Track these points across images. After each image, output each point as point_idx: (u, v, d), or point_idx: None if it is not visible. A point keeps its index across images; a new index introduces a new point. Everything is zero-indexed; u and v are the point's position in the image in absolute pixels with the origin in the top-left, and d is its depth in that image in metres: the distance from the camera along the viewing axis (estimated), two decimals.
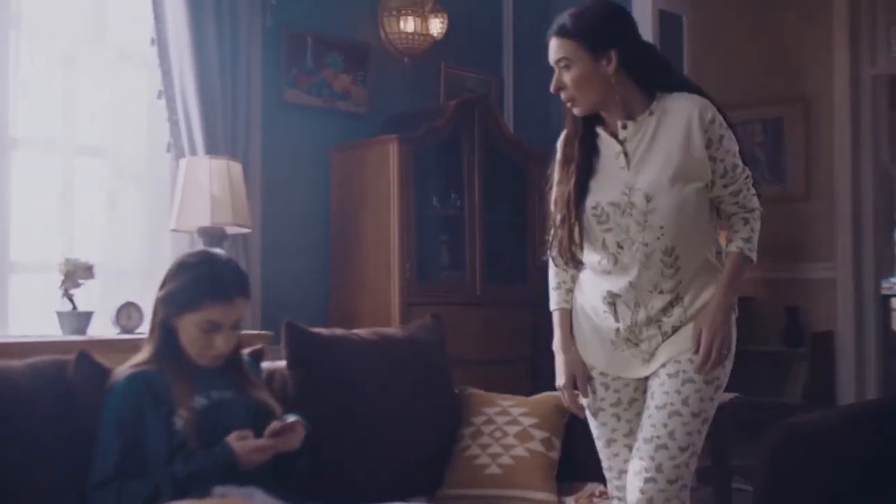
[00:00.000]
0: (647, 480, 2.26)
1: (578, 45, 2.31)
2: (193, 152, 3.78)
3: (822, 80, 5.95)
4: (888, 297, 7.00)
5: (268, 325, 3.78)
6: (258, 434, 2.28)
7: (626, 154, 2.34)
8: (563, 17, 2.35)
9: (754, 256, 2.42)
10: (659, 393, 2.32)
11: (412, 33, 4.69)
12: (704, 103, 2.33)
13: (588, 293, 2.43)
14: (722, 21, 6.22)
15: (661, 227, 2.30)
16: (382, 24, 4.71)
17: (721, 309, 2.35)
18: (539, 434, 2.98)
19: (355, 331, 3.05)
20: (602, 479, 2.57)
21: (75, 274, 3.33)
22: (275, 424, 2.30)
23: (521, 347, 4.52)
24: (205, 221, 3.54)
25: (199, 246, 3.57)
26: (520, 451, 2.94)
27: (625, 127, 2.34)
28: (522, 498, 2.87)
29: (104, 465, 2.21)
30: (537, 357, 4.48)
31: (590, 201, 2.35)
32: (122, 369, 2.34)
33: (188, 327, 2.33)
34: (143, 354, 2.38)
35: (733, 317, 2.42)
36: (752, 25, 6.29)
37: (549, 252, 2.49)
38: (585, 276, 2.44)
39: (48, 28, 3.62)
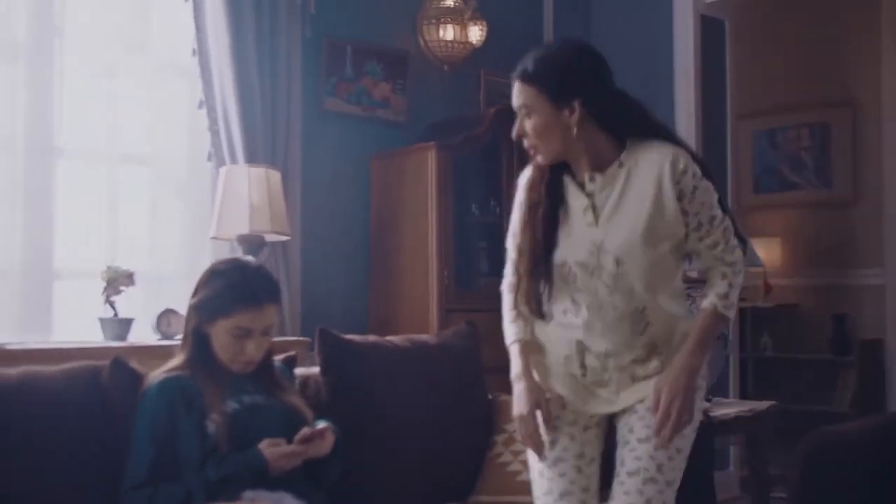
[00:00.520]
0: None
1: (539, 92, 2.16)
2: (234, 161, 3.84)
3: (870, 84, 5.87)
4: None
5: (307, 332, 3.81)
6: (289, 439, 2.31)
7: (594, 209, 2.19)
8: (527, 60, 2.19)
9: (731, 314, 2.24)
10: (640, 426, 2.20)
11: (451, 41, 4.71)
12: (677, 153, 2.17)
13: (552, 337, 2.29)
14: (766, 25, 6.16)
15: (632, 290, 2.17)
16: (422, 33, 4.74)
17: (685, 371, 2.15)
18: None
19: (389, 338, 3.06)
20: None
21: (117, 281, 3.40)
22: (304, 430, 2.32)
23: None
24: (243, 229, 3.59)
25: (239, 253, 3.62)
26: None
27: (592, 179, 2.19)
28: None
29: (137, 470, 2.24)
30: None
31: (557, 257, 2.21)
32: (156, 375, 2.38)
33: (220, 333, 2.37)
34: (176, 360, 2.42)
35: (700, 381, 2.23)
36: (798, 29, 6.22)
37: (504, 284, 2.37)
38: (550, 323, 2.29)
39: (91, 38, 3.70)
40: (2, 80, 3.48)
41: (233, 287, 2.37)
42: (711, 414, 3.03)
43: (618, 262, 2.15)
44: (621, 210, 2.17)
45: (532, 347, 2.32)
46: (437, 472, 2.90)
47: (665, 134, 2.23)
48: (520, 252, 2.29)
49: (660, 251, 2.17)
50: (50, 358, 2.60)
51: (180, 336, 2.50)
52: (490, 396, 3.19)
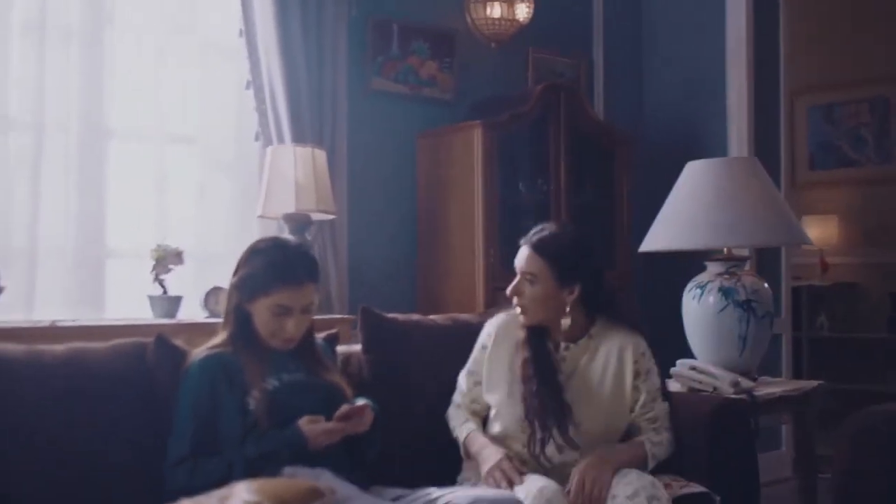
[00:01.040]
0: None
1: (549, 267, 2.46)
2: (281, 141, 3.87)
3: None
4: None
5: (355, 311, 3.82)
6: (328, 416, 2.33)
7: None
8: (544, 233, 2.49)
9: (653, 460, 2.45)
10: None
11: (499, 18, 4.68)
12: (638, 339, 2.51)
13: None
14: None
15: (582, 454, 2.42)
16: (468, 10, 4.72)
17: (608, 462, 2.35)
18: None
19: (432, 316, 3.07)
20: (676, 470, 2.51)
21: (166, 259, 3.46)
22: (344, 408, 2.34)
23: None
24: (290, 208, 3.62)
25: (286, 232, 3.66)
26: None
27: (567, 348, 2.51)
28: None
29: (180, 445, 2.28)
30: None
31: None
32: (199, 352, 2.42)
33: (260, 311, 2.40)
34: (218, 338, 2.46)
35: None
36: (855, 3, 6.07)
37: (451, 408, 2.64)
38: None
39: (140, 22, 3.76)
40: (57, 65, 3.55)
41: (273, 265, 2.39)
42: (756, 393, 2.99)
43: (579, 451, 2.41)
44: (586, 386, 2.48)
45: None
46: None
47: (630, 321, 2.56)
48: (470, 392, 2.62)
49: (614, 434, 2.48)
50: (101, 335, 2.64)
51: None
52: None
